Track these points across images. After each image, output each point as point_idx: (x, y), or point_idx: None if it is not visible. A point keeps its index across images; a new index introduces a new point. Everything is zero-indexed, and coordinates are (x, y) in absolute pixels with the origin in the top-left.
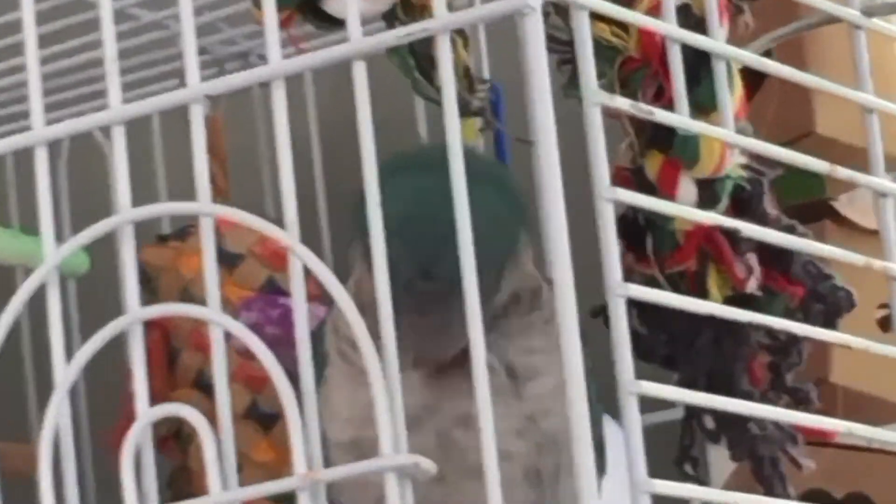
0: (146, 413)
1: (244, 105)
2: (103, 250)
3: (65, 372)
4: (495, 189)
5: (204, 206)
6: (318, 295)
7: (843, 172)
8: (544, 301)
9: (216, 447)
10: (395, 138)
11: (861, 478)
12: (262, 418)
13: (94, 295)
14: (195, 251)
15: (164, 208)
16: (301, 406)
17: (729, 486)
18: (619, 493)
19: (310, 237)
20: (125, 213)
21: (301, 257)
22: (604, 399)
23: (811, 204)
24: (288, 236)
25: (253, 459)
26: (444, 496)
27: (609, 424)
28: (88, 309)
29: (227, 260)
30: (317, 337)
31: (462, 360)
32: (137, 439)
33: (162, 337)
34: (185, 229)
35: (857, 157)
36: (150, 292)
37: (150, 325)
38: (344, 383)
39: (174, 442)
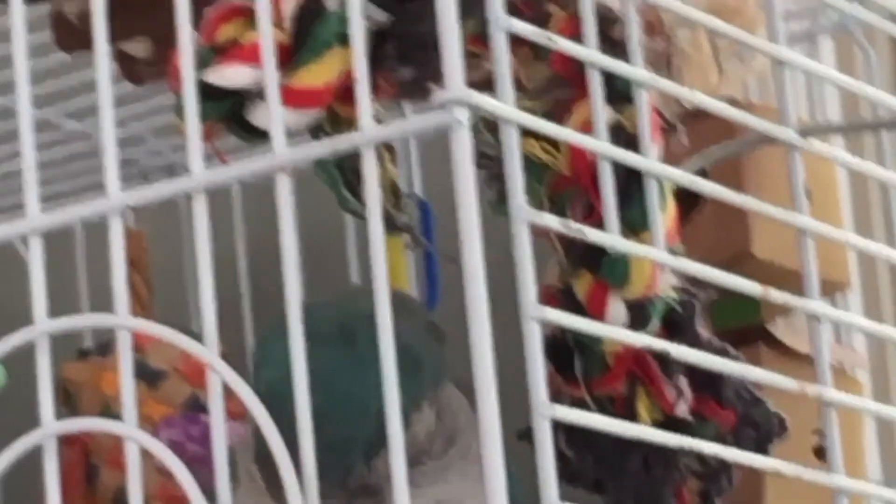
0: None
1: (172, 218)
2: (23, 366)
3: None
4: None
5: (121, 319)
6: (241, 413)
7: (776, 296)
8: (459, 434)
9: None
10: (324, 250)
11: None
12: None
13: (13, 413)
14: (116, 367)
15: (81, 321)
16: None
17: None
18: None
19: (236, 350)
20: (41, 324)
21: (220, 373)
22: None
23: (745, 329)
24: (207, 353)
25: None
26: None
27: None
28: (7, 427)
29: (150, 377)
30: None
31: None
32: None
33: (81, 454)
34: (106, 344)
35: (794, 280)
36: (71, 409)
37: (69, 442)
38: (251, 498)
39: None
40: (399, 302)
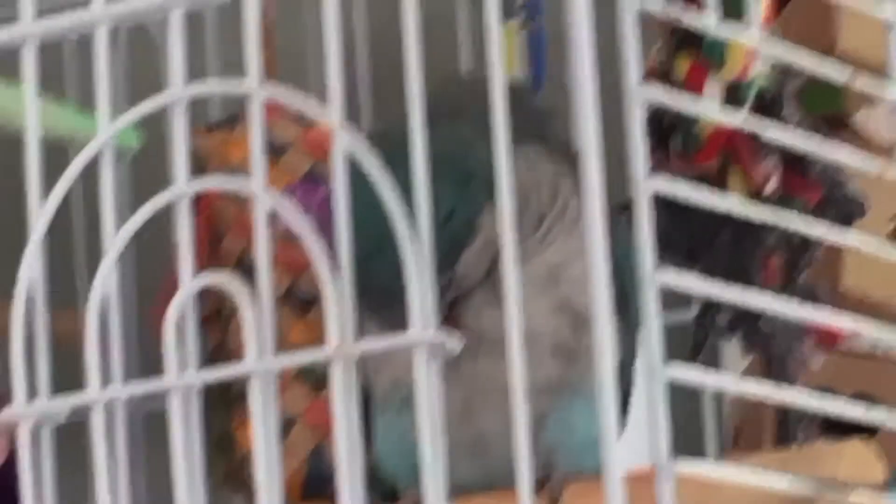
0: (190, 283)
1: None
2: (159, 134)
3: (114, 240)
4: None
5: (254, 86)
6: None
7: (863, 82)
8: (567, 208)
9: (255, 318)
10: (437, 36)
11: (865, 381)
12: (299, 302)
13: (147, 177)
14: (242, 140)
15: (215, 86)
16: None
17: None
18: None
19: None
20: (178, 90)
21: (343, 140)
22: None
23: (829, 117)
24: (331, 115)
25: (289, 341)
26: (474, 370)
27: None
28: (142, 192)
29: (273, 150)
30: None
31: None
32: (181, 308)
33: (206, 222)
34: (233, 118)
35: (879, 73)
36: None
37: (196, 211)
38: None
39: (215, 320)
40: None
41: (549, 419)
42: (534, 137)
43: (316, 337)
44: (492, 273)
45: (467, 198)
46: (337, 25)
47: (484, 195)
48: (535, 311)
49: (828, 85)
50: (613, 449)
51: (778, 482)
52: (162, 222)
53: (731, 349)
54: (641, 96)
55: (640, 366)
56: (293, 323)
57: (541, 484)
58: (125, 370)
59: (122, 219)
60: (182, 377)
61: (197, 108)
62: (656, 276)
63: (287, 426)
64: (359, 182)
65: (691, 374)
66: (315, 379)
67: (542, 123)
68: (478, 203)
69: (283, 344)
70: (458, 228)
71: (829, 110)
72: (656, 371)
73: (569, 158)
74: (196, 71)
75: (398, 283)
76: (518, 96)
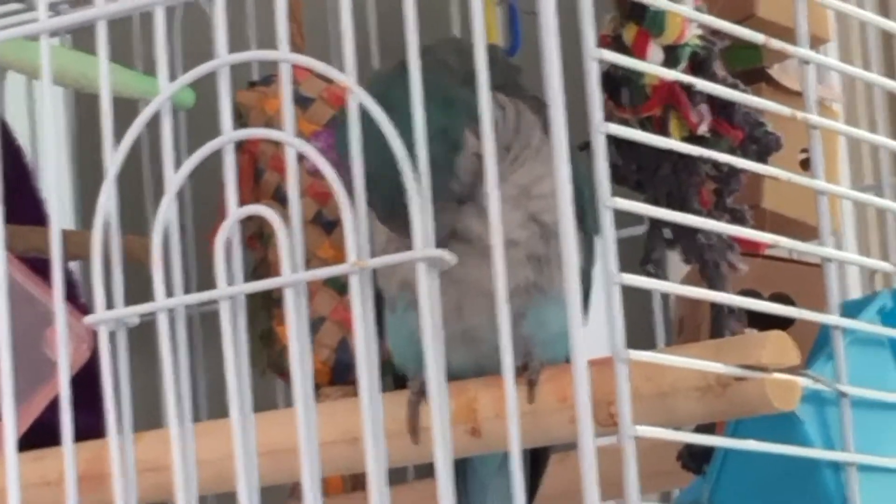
0: (235, 212)
1: None
2: (208, 92)
3: (173, 178)
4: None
5: (283, 54)
6: None
7: (775, 43)
8: (531, 139)
9: (289, 240)
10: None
11: (784, 282)
12: (325, 225)
13: (202, 129)
14: (277, 94)
15: (252, 55)
16: (354, 210)
17: (682, 284)
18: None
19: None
20: (222, 58)
21: (357, 95)
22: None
23: (751, 70)
24: (347, 78)
25: (318, 256)
26: (464, 273)
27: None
28: (196, 139)
29: (301, 102)
30: None
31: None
32: (228, 232)
33: (250, 160)
34: (269, 77)
35: (788, 35)
36: (242, 126)
37: (240, 151)
38: None
39: (257, 240)
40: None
41: (527, 315)
42: (501, 86)
43: (339, 252)
44: (475, 189)
45: (452, 118)
46: (349, 6)
47: (465, 120)
48: (510, 223)
49: (748, 45)
50: (580, 341)
51: (713, 366)
52: (214, 164)
53: (675, 258)
54: (597, 56)
55: (599, 273)
56: (321, 241)
57: (521, 370)
58: (185, 283)
59: (180, 161)
60: (229, 289)
61: (241, 70)
62: (611, 202)
63: (318, 323)
64: (371, 125)
65: (641, 280)
66: (339, 285)
67: (509, 76)
68: (460, 124)
69: (313, 258)
70: (447, 143)
71: (750, 65)
72: (613, 278)
73: (539, 106)
74: (239, 40)
75: (400, 203)
76: (491, 55)
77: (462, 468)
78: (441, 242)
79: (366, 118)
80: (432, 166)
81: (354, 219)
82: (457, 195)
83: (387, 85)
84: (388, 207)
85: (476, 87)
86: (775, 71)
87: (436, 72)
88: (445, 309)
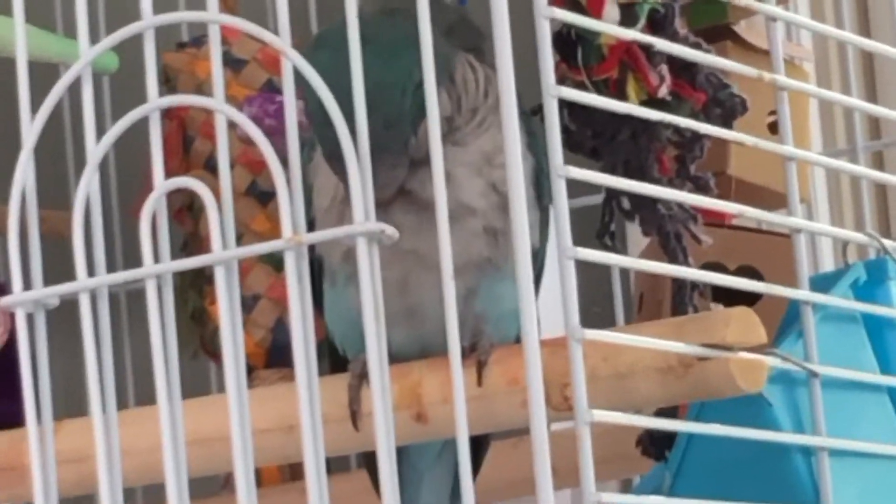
0: (162, 184)
1: None
2: (133, 55)
3: (95, 149)
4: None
5: (212, 14)
6: None
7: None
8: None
9: (219, 214)
10: None
11: (750, 254)
12: (260, 195)
13: (126, 94)
14: (208, 56)
15: (180, 16)
16: (289, 182)
17: (643, 258)
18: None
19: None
20: (148, 19)
21: (291, 59)
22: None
23: (715, 27)
24: (281, 42)
25: (252, 229)
26: (414, 243)
27: None
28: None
29: (234, 64)
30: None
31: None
32: (154, 206)
33: (178, 127)
34: (200, 38)
35: None
36: (170, 90)
37: (169, 116)
38: (320, 170)
39: (187, 213)
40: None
41: (479, 292)
42: (472, 50)
43: (275, 225)
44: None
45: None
46: None
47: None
48: (470, 190)
49: (711, 1)
50: (531, 319)
51: (674, 346)
52: (140, 132)
53: (634, 229)
54: (548, 15)
55: (553, 247)
56: (255, 214)
57: (469, 350)
58: (108, 261)
59: (103, 130)
60: (155, 267)
61: (169, 30)
62: (564, 170)
63: (252, 302)
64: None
65: (597, 254)
66: (276, 261)
67: (480, 40)
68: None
69: (247, 232)
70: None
71: (714, 22)
72: (566, 252)
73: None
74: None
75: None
76: (463, 17)
77: (398, 456)
78: (390, 200)
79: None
80: (393, 122)
81: (289, 191)
82: (417, 154)
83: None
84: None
85: (451, 43)
86: (741, 28)
87: (408, 25)
88: (390, 283)
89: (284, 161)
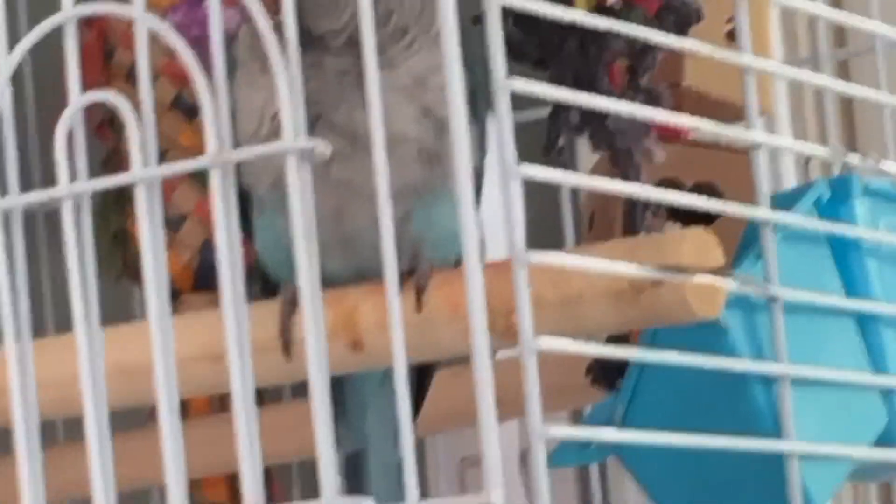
0: (78, 98)
1: None
2: None
3: (7, 60)
4: None
5: None
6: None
7: None
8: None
9: (139, 131)
10: None
11: (708, 170)
12: (186, 109)
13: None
14: None
15: None
16: (214, 95)
17: (591, 175)
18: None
19: None
20: None
21: None
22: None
23: None
24: None
25: (180, 144)
26: (346, 172)
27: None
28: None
29: None
30: (233, 39)
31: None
32: (70, 122)
33: (98, 37)
34: None
35: None
36: None
37: (89, 26)
38: (244, 88)
39: (108, 128)
40: None
41: (415, 215)
42: None
43: (203, 141)
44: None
45: None
46: None
47: None
48: (402, 116)
49: None
50: (472, 242)
51: (626, 269)
52: (57, 43)
53: (584, 144)
54: None
55: (496, 165)
56: (182, 128)
57: (408, 274)
58: (24, 180)
59: (16, 40)
60: (71, 186)
61: None
62: (507, 82)
63: (178, 222)
64: None
65: (543, 171)
66: (204, 178)
67: None
68: None
69: (173, 147)
70: None
71: None
72: (510, 169)
73: None
74: None
75: None
76: None
77: (339, 384)
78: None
79: None
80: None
81: (214, 104)
82: (336, 42)
83: None
84: None
85: None
86: None
87: None
88: (323, 213)
89: (209, 72)
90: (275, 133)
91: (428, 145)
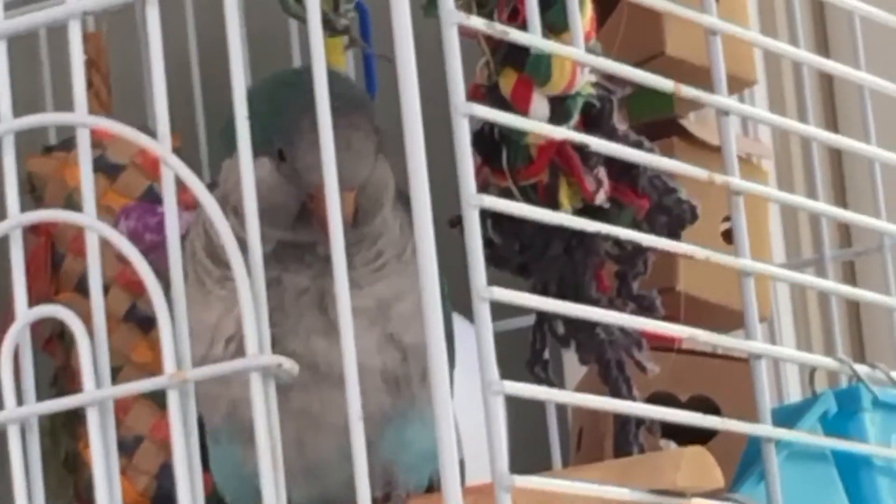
0: (25, 313)
1: (129, 21)
2: None
3: None
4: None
5: (80, 117)
6: (194, 204)
7: (687, 91)
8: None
9: (91, 347)
10: (270, 54)
11: (704, 382)
12: (141, 321)
13: None
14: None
15: (43, 119)
16: (171, 309)
17: (580, 390)
18: (469, 390)
19: (190, 145)
20: (6, 122)
21: (172, 167)
22: (454, 299)
23: (660, 121)
24: (160, 147)
25: (133, 360)
26: (306, 402)
27: (460, 322)
28: None
29: (110, 169)
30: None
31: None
32: (16, 338)
33: (47, 242)
34: (70, 140)
35: (705, 77)
36: (37, 200)
37: (36, 231)
38: (198, 304)
39: (58, 343)
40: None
41: (383, 441)
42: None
43: (159, 357)
44: (324, 299)
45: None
46: (160, 50)
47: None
48: (364, 344)
49: (656, 91)
50: (452, 470)
51: (618, 493)
52: (2, 250)
53: (571, 356)
54: (466, 112)
55: (475, 380)
56: (136, 342)
57: (382, 500)
58: None
59: None
60: (17, 410)
61: (35, 132)
62: (487, 292)
63: (134, 444)
64: None
65: (526, 388)
66: (161, 397)
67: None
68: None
69: (127, 363)
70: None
71: (659, 115)
72: (491, 386)
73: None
74: (32, 95)
75: None
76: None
77: None
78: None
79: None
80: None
81: (172, 317)
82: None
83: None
84: None
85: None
86: (690, 122)
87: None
88: (284, 443)
89: (168, 282)
90: (228, 357)
91: (392, 372)
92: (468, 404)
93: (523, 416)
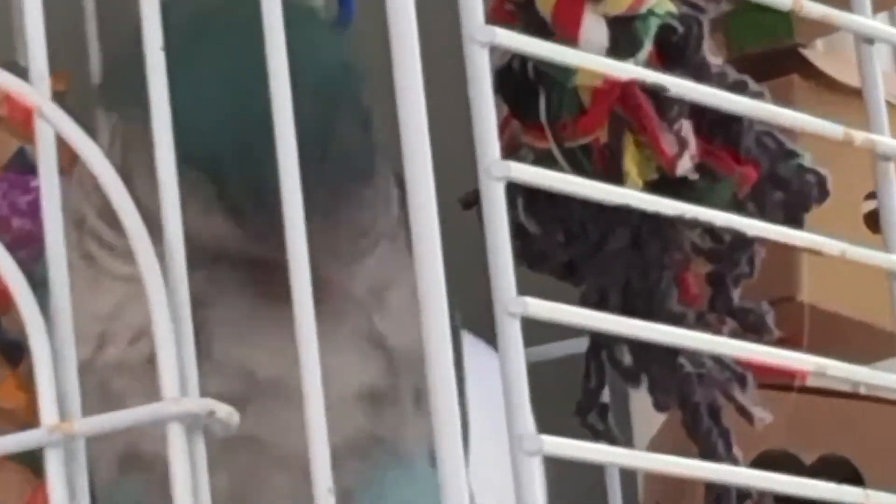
0: None
1: None
2: None
3: None
4: None
5: None
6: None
7: (813, 7)
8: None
9: None
10: None
11: (839, 436)
12: (6, 348)
13: None
14: None
15: None
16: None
17: (656, 446)
18: (488, 445)
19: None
20: None
21: (52, 122)
22: (467, 313)
23: (773, 53)
24: (34, 92)
25: None
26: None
27: (475, 346)
28: None
29: None
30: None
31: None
32: None
33: None
34: None
35: None
36: None
37: None
38: (84, 290)
39: None
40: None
41: (359, 490)
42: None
43: (33, 399)
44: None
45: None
46: None
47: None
48: (336, 343)
49: (767, 8)
50: None
51: None
52: None
53: (642, 398)
54: (486, 40)
55: (501, 434)
56: (3, 374)
57: None
58: None
59: None
60: None
61: None
62: (517, 304)
63: None
64: None
65: (576, 446)
66: (34, 460)
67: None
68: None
69: None
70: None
71: (772, 44)
72: (523, 443)
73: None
74: None
75: None
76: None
77: None
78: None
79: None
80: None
81: (52, 344)
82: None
83: None
84: None
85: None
86: (817, 54)
87: None
88: (217, 491)
89: (44, 285)
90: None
91: (375, 382)
92: (486, 465)
93: (570, 482)
